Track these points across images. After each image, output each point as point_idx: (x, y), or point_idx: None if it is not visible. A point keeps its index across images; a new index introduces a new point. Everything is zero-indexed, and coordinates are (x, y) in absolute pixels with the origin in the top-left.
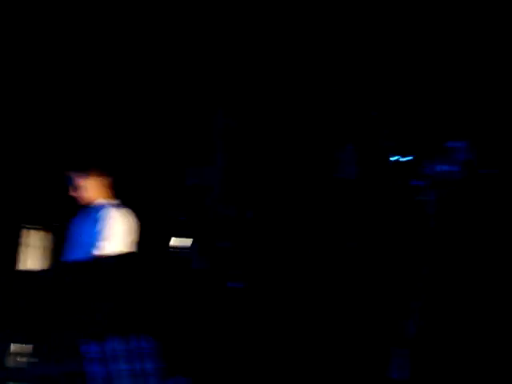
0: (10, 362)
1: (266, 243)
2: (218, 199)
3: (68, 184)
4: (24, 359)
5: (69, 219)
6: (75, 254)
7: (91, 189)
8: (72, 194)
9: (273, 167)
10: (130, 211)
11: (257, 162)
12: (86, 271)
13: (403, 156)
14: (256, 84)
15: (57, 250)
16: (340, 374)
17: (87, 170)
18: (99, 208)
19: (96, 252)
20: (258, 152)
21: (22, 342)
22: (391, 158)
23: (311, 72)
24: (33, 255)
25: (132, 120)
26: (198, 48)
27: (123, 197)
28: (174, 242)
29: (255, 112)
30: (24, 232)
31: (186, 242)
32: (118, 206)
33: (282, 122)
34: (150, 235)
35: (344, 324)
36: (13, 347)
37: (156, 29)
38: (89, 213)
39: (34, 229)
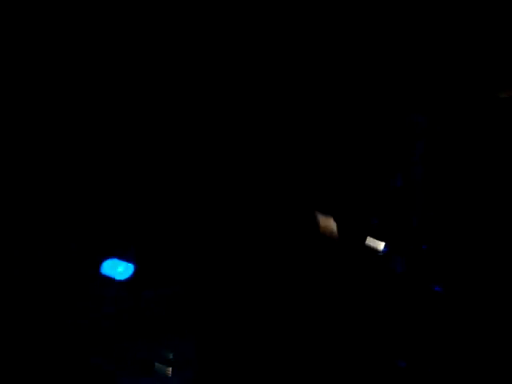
0: None
1: (467, 245)
2: (419, 201)
3: None
4: None
5: None
6: None
7: None
8: None
9: (479, 169)
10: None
11: (459, 163)
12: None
13: None
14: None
15: None
16: None
17: None
18: None
19: None
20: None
21: None
22: None
23: None
24: None
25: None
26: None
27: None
28: (369, 241)
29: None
30: None
31: (379, 244)
32: None
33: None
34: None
35: None
36: None
37: None
38: None
39: None
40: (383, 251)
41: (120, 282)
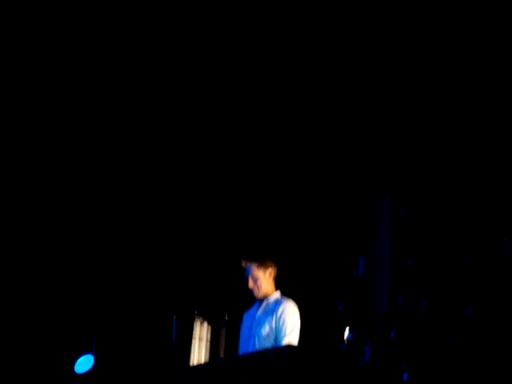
0: None
1: (436, 335)
2: (386, 290)
3: (245, 275)
4: None
5: (241, 312)
6: (250, 348)
7: (266, 280)
8: (250, 286)
9: (443, 256)
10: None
11: (426, 251)
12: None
13: None
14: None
15: (227, 344)
16: None
17: (265, 260)
18: (275, 301)
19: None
20: (428, 242)
21: None
22: None
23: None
24: (203, 348)
25: (294, 206)
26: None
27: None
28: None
29: (426, 201)
30: (196, 324)
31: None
32: (288, 299)
33: (451, 209)
34: (313, 326)
35: None
36: None
37: None
38: (264, 305)
39: (206, 321)
40: (349, 339)
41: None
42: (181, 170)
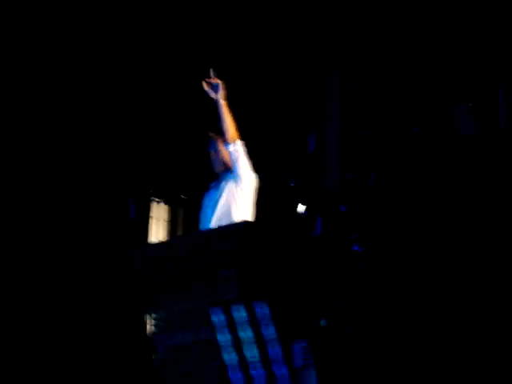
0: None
1: (386, 207)
2: (336, 164)
3: (210, 149)
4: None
5: (198, 192)
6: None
7: (226, 155)
8: (212, 158)
9: (392, 129)
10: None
11: (375, 125)
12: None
13: None
14: (374, 45)
15: (185, 224)
16: None
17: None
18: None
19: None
20: (377, 116)
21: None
22: None
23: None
24: (162, 228)
25: (255, 83)
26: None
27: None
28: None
29: (373, 74)
30: (153, 205)
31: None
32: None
33: (400, 83)
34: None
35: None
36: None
37: None
38: (221, 181)
39: (163, 202)
40: (303, 213)
41: None
42: None
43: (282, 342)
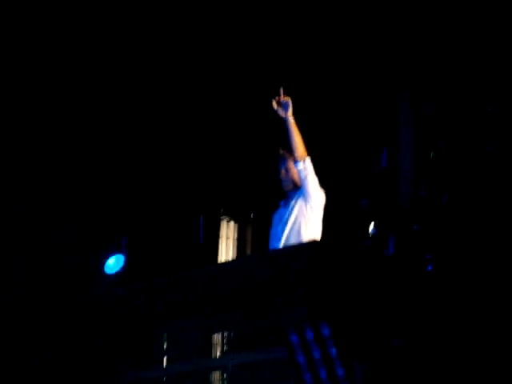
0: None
1: (460, 227)
2: (409, 183)
3: (281, 166)
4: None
5: (267, 209)
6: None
7: (295, 173)
8: (282, 177)
9: (467, 147)
10: None
11: (449, 144)
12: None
13: None
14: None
15: (253, 242)
16: None
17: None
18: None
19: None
20: (451, 134)
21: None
22: None
23: None
24: (231, 247)
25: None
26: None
27: None
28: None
29: (447, 96)
30: (223, 223)
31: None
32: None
33: (474, 101)
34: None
35: None
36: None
37: None
38: (290, 199)
39: (233, 220)
40: (373, 233)
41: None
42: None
43: (343, 362)
